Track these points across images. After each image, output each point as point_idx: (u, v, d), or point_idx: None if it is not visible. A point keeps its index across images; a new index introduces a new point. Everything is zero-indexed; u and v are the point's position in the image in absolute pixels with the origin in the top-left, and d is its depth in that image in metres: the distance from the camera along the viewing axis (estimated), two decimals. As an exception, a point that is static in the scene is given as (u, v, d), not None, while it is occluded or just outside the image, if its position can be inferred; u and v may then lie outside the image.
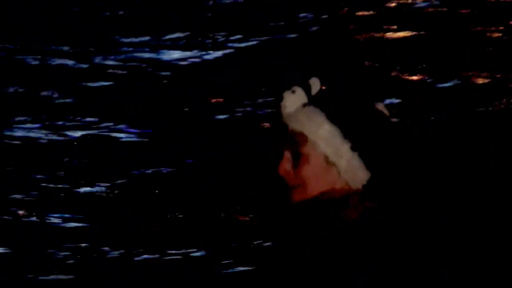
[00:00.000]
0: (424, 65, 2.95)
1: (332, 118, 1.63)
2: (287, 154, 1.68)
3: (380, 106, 1.78)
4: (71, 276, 1.98)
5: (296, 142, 1.66)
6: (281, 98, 1.71)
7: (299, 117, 1.66)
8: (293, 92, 1.69)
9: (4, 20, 3.08)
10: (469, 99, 2.77)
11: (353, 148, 1.65)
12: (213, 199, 2.07)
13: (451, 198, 2.42)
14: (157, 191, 2.25)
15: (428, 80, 2.83)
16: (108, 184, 2.39)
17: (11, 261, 2.06)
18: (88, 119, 2.65)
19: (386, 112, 1.76)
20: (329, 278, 1.90)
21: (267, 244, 1.74)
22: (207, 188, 2.18)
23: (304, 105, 1.67)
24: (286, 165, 1.68)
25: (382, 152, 1.73)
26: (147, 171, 2.40)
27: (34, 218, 2.24)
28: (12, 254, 2.10)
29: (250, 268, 1.91)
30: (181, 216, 2.11)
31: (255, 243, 1.81)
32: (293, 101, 1.70)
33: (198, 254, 2.14)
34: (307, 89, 1.68)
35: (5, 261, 2.05)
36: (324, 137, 1.62)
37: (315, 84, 1.69)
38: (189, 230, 2.02)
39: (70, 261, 2.08)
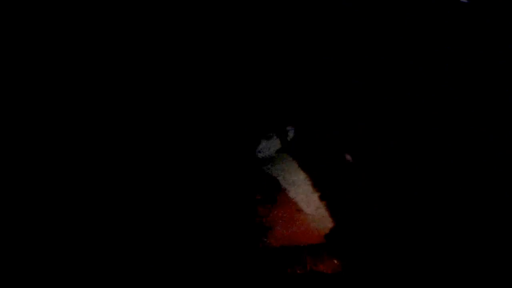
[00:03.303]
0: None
1: (304, 167, 1.71)
2: (261, 197, 1.72)
3: (348, 157, 1.80)
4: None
5: (270, 186, 1.70)
6: (257, 144, 1.79)
7: (273, 163, 1.71)
8: (269, 138, 1.80)
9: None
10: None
11: (321, 197, 1.68)
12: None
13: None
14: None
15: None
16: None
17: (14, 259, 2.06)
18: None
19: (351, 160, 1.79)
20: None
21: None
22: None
23: (279, 151, 1.76)
24: (261, 207, 1.72)
25: (347, 202, 1.77)
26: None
27: (36, 216, 2.24)
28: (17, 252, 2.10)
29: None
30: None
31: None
32: (269, 146, 1.77)
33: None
34: (282, 136, 1.78)
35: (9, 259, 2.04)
36: (296, 185, 1.69)
37: (290, 132, 1.80)
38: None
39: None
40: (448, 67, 3.02)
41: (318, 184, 1.75)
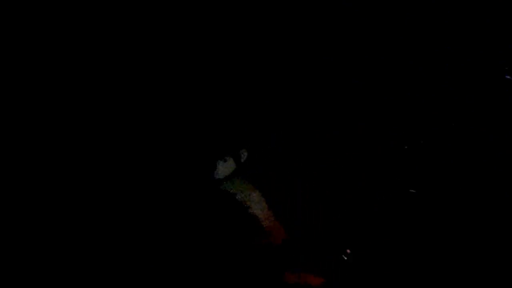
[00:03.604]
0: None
1: (259, 186, 1.92)
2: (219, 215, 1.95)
3: (348, 157, 1.97)
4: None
5: (227, 205, 1.91)
6: (214, 166, 1.98)
7: (233, 185, 1.91)
8: (225, 160, 1.96)
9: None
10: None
11: (275, 213, 1.91)
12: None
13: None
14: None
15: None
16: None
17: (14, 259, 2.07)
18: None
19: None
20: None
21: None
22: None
23: (234, 172, 1.95)
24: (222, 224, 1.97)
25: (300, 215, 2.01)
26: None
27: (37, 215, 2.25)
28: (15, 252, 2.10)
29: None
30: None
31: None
32: (225, 168, 1.95)
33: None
34: (236, 158, 1.97)
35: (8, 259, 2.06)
36: (254, 202, 1.89)
37: (243, 155, 1.98)
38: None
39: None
40: (448, 67, 3.02)
41: (272, 201, 1.95)
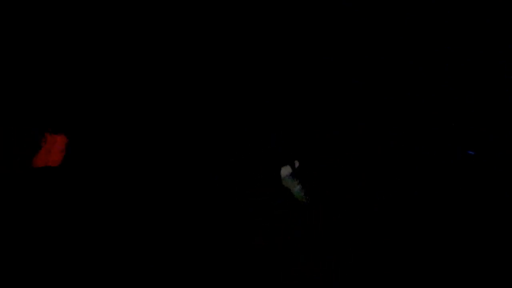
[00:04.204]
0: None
1: (305, 185, 2.72)
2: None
3: (348, 157, 2.75)
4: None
5: (285, 196, 2.72)
6: (279, 170, 2.80)
7: (286, 181, 2.79)
8: (285, 167, 2.78)
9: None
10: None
11: (315, 206, 2.62)
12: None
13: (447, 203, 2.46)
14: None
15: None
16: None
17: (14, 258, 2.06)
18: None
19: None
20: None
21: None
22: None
23: (290, 174, 2.79)
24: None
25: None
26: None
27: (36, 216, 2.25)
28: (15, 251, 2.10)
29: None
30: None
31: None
32: (285, 171, 2.79)
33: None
34: (291, 165, 2.79)
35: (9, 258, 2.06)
36: (297, 192, 2.70)
37: (296, 163, 2.80)
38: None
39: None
40: (448, 67, 3.03)
41: (313, 196, 2.60)
